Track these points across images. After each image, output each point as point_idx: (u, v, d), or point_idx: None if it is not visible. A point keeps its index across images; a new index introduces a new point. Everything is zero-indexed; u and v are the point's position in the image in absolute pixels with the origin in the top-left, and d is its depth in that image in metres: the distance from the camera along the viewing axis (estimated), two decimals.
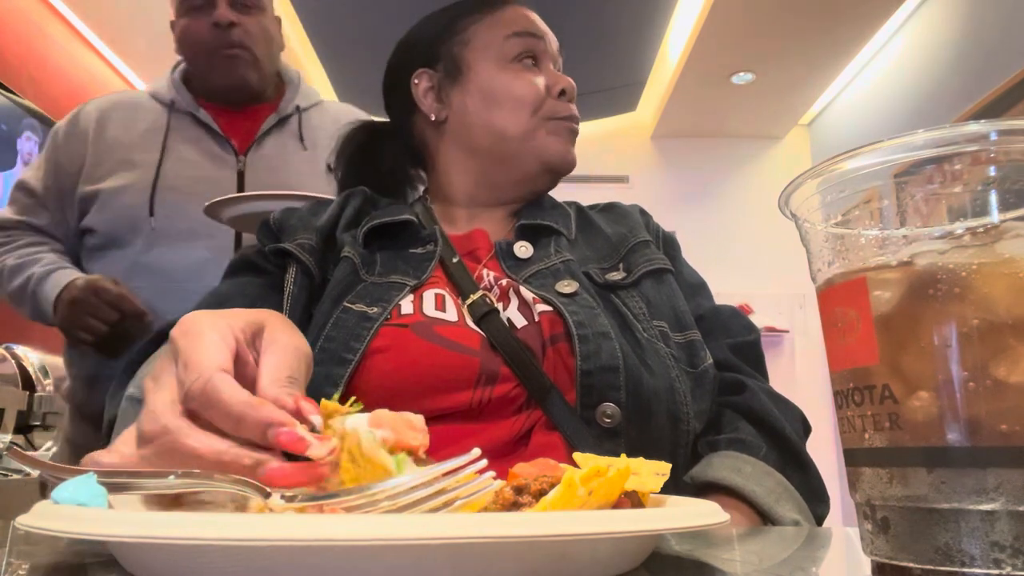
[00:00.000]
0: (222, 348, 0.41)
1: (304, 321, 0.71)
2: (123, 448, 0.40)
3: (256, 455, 0.36)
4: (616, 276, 0.76)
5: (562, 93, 0.83)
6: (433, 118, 0.85)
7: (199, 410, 0.38)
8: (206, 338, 0.41)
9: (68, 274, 1.33)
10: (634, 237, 0.82)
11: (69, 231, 1.43)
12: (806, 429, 0.76)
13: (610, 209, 0.91)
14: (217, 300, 0.73)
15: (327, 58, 3.53)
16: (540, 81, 0.82)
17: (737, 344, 0.79)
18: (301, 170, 1.41)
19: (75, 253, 1.44)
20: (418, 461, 0.36)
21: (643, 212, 0.90)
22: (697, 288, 0.85)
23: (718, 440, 0.69)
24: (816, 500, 0.67)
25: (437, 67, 0.85)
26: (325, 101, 1.54)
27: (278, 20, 1.48)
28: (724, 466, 0.65)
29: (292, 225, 0.79)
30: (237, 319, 0.44)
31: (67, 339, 1.36)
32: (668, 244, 0.87)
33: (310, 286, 0.74)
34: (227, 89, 1.42)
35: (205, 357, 0.39)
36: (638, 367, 0.66)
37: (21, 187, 1.46)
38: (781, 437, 0.70)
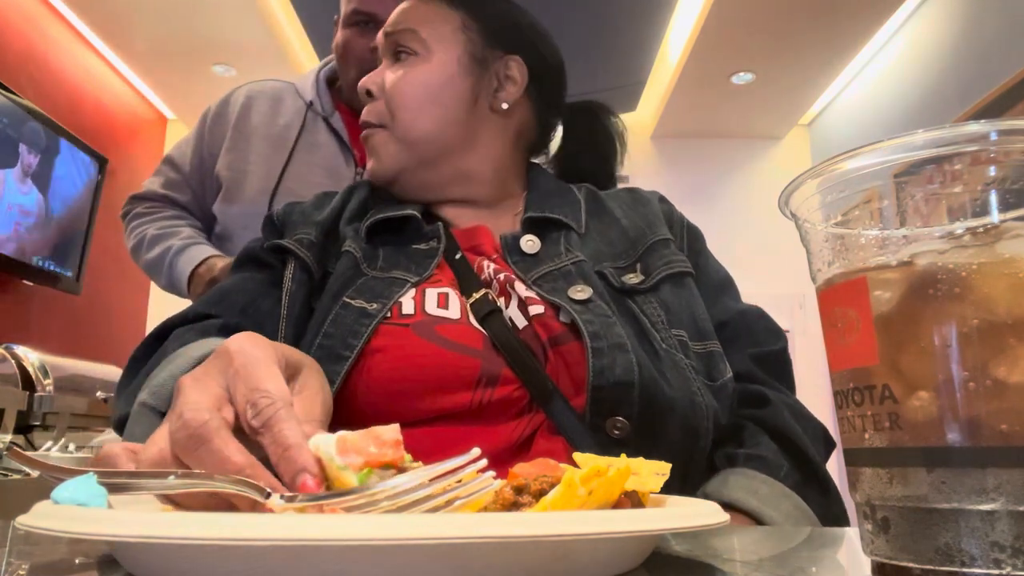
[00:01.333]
0: (283, 378, 0.44)
1: (304, 316, 0.71)
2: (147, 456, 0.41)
3: (272, 480, 0.37)
4: (633, 279, 0.72)
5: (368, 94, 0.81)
6: None
7: (256, 428, 0.40)
8: (267, 365, 0.44)
9: (204, 250, 1.36)
10: (653, 234, 0.77)
11: (207, 211, 1.46)
12: (828, 447, 0.73)
13: (628, 194, 0.86)
14: (220, 294, 0.73)
15: (318, 37, 3.48)
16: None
17: (762, 354, 0.76)
18: None
19: (210, 232, 1.47)
20: (402, 470, 0.36)
21: (663, 200, 0.86)
22: (722, 287, 0.81)
23: (737, 454, 0.67)
24: (835, 526, 0.65)
25: None
26: None
27: None
28: (740, 486, 0.63)
29: (293, 220, 0.79)
30: (280, 351, 0.47)
31: None
32: (692, 236, 0.83)
33: (309, 282, 0.73)
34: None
35: (275, 386, 0.42)
36: (654, 380, 0.63)
37: (169, 162, 1.49)
38: (803, 458, 0.67)
